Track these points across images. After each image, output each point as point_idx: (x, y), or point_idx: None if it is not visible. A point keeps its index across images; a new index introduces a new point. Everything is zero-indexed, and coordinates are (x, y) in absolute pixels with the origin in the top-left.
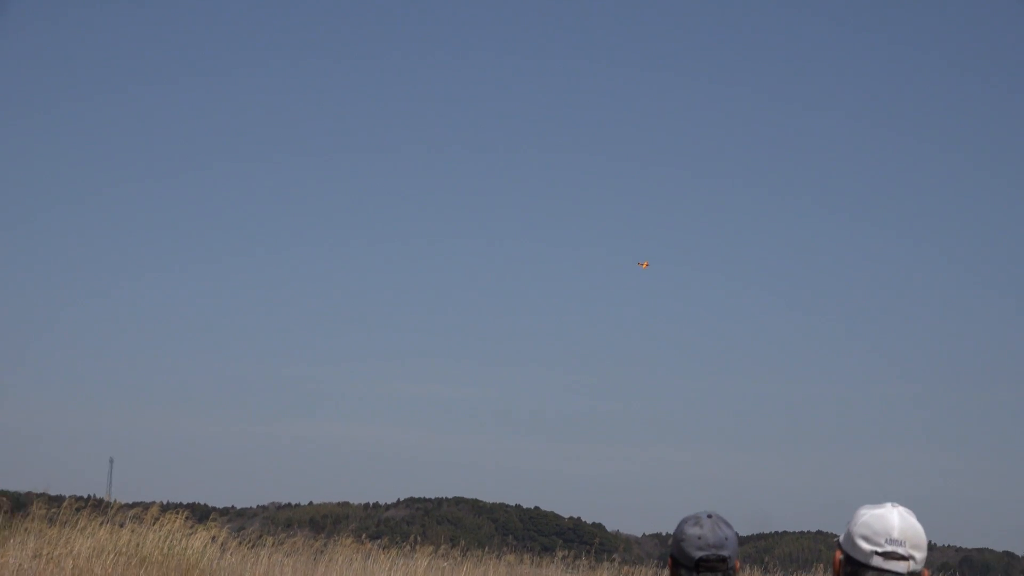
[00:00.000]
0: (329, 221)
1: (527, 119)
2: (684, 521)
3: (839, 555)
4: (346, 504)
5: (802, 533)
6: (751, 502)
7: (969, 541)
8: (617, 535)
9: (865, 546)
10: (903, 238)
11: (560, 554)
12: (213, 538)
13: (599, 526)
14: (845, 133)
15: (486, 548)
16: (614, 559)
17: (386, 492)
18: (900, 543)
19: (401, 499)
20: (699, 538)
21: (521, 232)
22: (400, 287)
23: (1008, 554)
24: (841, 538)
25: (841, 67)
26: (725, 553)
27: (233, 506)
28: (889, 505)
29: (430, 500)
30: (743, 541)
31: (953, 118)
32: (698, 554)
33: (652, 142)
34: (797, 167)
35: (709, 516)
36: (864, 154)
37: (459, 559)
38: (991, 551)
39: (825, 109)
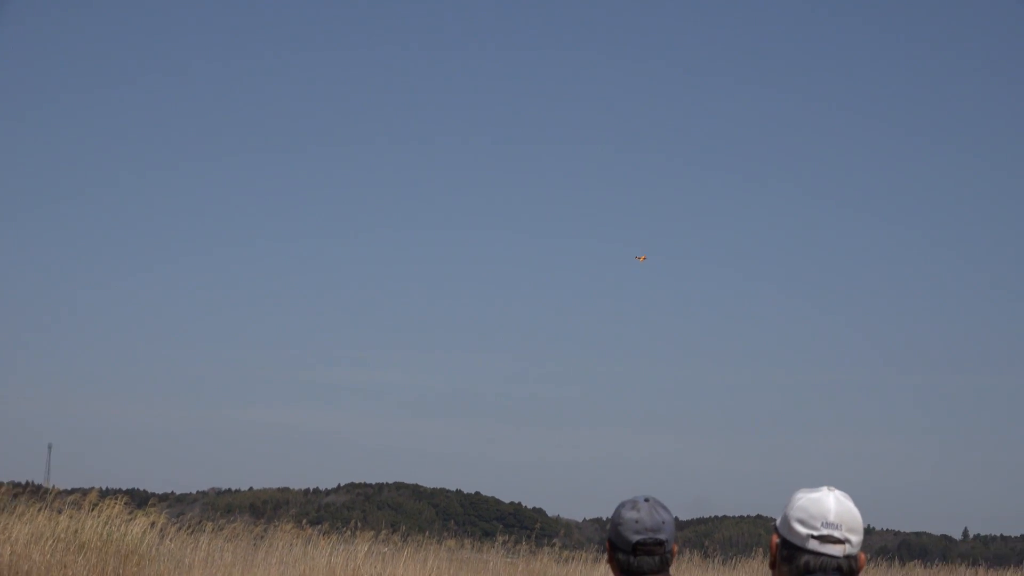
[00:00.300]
0: (268, 208)
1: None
2: (622, 505)
3: (775, 539)
4: (286, 489)
5: (742, 517)
6: (691, 487)
7: (907, 525)
8: (558, 520)
9: (801, 529)
10: (855, 223)
11: (501, 539)
12: (152, 524)
13: (540, 511)
14: (825, 120)
15: (427, 533)
16: (554, 544)
17: (326, 477)
18: (836, 526)
19: (341, 484)
20: (636, 522)
21: (460, 218)
22: (340, 272)
23: (946, 538)
24: (778, 522)
25: (841, 59)
26: (662, 537)
27: (172, 492)
28: (825, 489)
29: (371, 485)
30: (683, 526)
31: (936, 106)
32: (635, 538)
33: (589, 123)
34: (742, 142)
35: (646, 500)
36: (836, 137)
37: (400, 544)
38: (929, 535)
39: (796, 92)
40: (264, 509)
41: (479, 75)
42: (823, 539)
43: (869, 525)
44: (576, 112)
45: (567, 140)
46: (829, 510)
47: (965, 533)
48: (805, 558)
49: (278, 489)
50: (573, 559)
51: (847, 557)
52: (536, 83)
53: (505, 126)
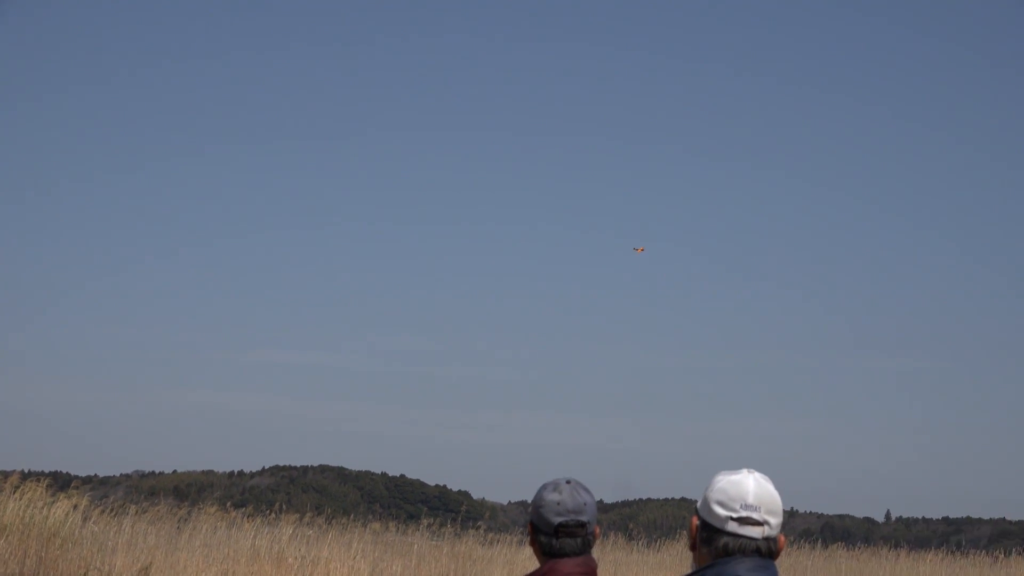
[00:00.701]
0: (198, 195)
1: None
2: (543, 487)
3: (695, 521)
4: (210, 472)
5: (666, 500)
6: (615, 469)
7: (830, 508)
8: (483, 503)
9: (720, 512)
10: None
11: (426, 522)
12: (75, 507)
13: (465, 494)
14: (801, 105)
15: (352, 516)
16: (479, 527)
17: (251, 460)
18: (755, 508)
19: (266, 467)
20: (558, 504)
21: (385, 205)
22: (264, 255)
23: (869, 520)
24: (698, 504)
25: (827, 48)
26: (584, 518)
27: (96, 474)
28: (745, 471)
29: (295, 468)
30: (607, 509)
31: (913, 91)
32: (557, 520)
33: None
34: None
35: (568, 482)
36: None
37: (324, 527)
38: (852, 517)
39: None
40: (188, 492)
41: (458, 65)
42: (742, 521)
43: (792, 508)
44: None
45: (510, 124)
46: (748, 492)
47: (887, 516)
48: (724, 540)
49: (202, 472)
50: (498, 542)
51: (766, 539)
52: (527, 73)
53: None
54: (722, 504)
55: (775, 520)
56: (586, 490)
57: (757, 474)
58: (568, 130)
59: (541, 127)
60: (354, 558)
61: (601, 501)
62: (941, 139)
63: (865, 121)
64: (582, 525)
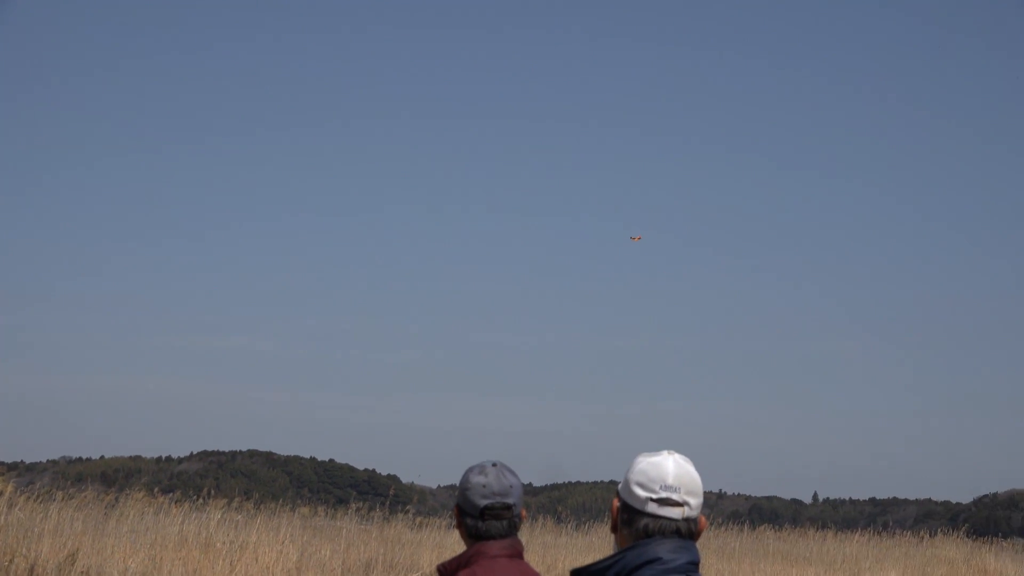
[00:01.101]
0: (124, 181)
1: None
2: (469, 470)
3: (616, 503)
4: (138, 458)
5: (595, 483)
6: (545, 453)
7: (758, 490)
8: (412, 486)
9: (640, 493)
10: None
11: (355, 506)
12: (0, 493)
13: (394, 477)
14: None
15: (280, 501)
16: (408, 511)
17: (179, 445)
18: (675, 489)
19: (194, 452)
20: (484, 486)
21: (289, 194)
22: (191, 242)
23: (796, 502)
24: (620, 486)
25: (832, 38)
26: (510, 501)
27: (22, 460)
28: (665, 453)
29: (224, 453)
30: (536, 492)
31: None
32: (483, 502)
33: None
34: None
35: (494, 465)
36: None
37: (253, 512)
38: (779, 499)
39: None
40: (116, 478)
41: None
42: (662, 502)
43: (721, 490)
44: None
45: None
46: (668, 473)
47: (815, 497)
48: (644, 521)
49: (130, 457)
50: (427, 526)
51: (686, 520)
52: (520, 61)
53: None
54: (642, 486)
55: (695, 501)
56: (512, 473)
57: (677, 455)
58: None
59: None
60: (282, 543)
61: (530, 484)
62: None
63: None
64: (508, 507)
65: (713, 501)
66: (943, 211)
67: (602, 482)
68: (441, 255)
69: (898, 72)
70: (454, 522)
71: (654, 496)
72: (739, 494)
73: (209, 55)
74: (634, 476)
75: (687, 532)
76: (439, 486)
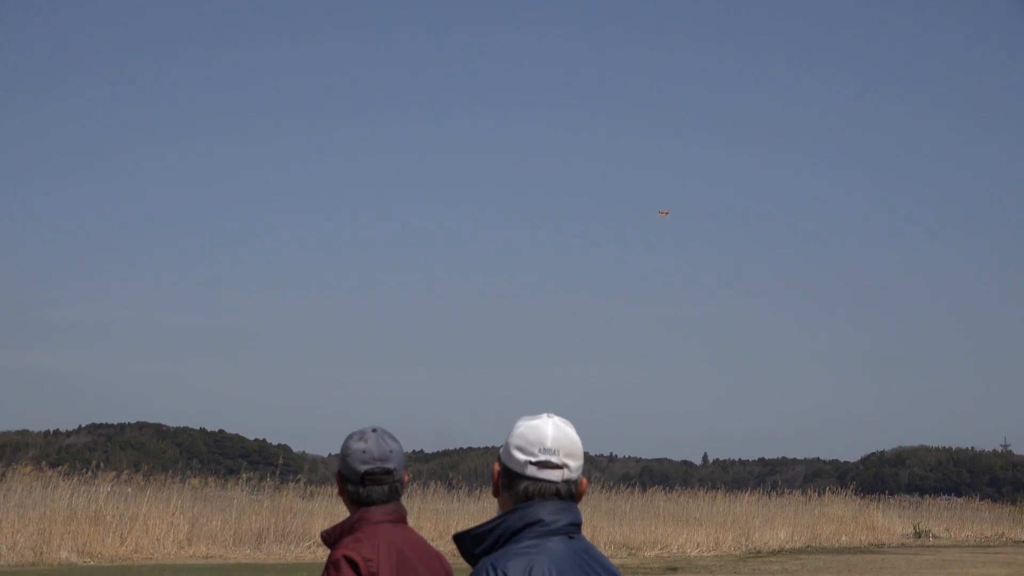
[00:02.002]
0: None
1: None
2: (350, 437)
3: (497, 467)
4: (25, 432)
5: (486, 449)
6: (435, 420)
7: (649, 452)
8: (303, 456)
9: (520, 456)
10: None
11: (245, 476)
12: None
13: (284, 447)
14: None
15: (170, 473)
16: (299, 480)
17: (67, 419)
18: (554, 452)
19: (83, 425)
20: (364, 452)
21: (185, 166)
22: (76, 213)
23: (686, 463)
24: (501, 450)
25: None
26: (390, 466)
27: None
28: (545, 416)
29: (112, 426)
30: (428, 459)
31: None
32: (363, 468)
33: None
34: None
35: (374, 430)
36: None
37: (142, 484)
38: (670, 461)
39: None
40: (3, 452)
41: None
42: (541, 465)
43: (612, 453)
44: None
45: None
46: (547, 436)
47: (704, 458)
48: (524, 484)
49: (17, 432)
50: (318, 494)
51: (566, 482)
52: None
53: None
54: (521, 449)
55: (575, 463)
56: (392, 438)
57: (557, 418)
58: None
59: None
60: (173, 514)
61: (422, 451)
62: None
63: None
64: (389, 472)
65: (604, 464)
66: (826, 170)
67: (493, 448)
68: (328, 225)
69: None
70: (336, 489)
71: (533, 459)
72: (630, 457)
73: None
74: (513, 440)
75: (567, 494)
76: (330, 455)
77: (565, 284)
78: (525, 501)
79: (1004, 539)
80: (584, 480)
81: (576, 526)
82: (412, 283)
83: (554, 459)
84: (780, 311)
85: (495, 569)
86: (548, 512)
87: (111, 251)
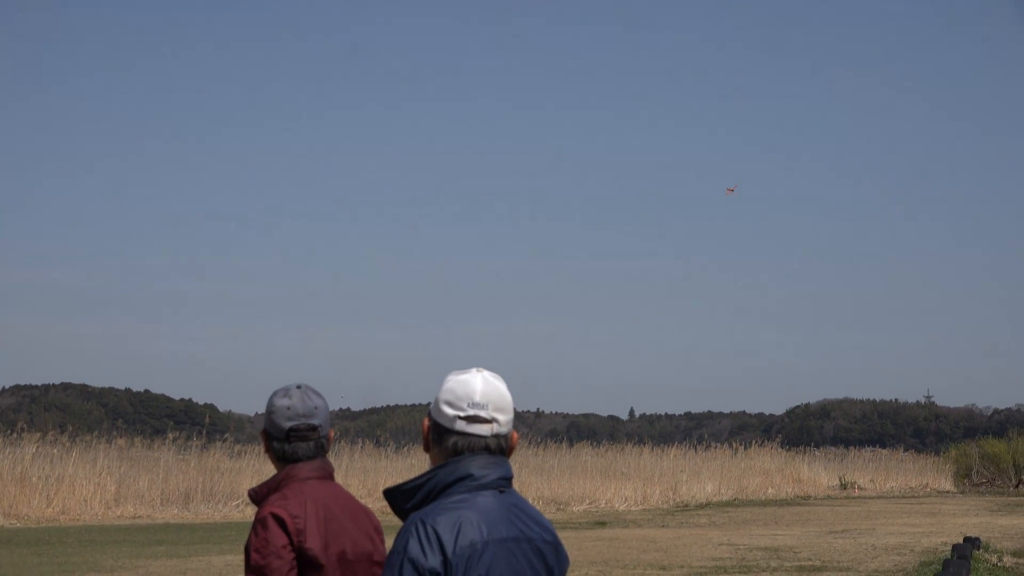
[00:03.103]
0: None
1: None
2: (274, 394)
3: (427, 422)
4: None
5: (413, 406)
6: (361, 377)
7: (576, 408)
8: (229, 415)
9: (448, 411)
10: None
11: (172, 436)
12: None
13: (211, 407)
14: None
15: (96, 433)
16: (226, 439)
17: None
18: (482, 406)
19: (6, 387)
20: (288, 408)
21: (111, 128)
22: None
23: (613, 418)
24: (431, 406)
25: None
26: (315, 422)
27: None
28: (474, 371)
29: (36, 387)
30: (355, 416)
31: None
32: (288, 424)
33: None
34: None
35: (298, 387)
36: None
37: (68, 445)
38: (597, 416)
39: None
40: None
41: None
42: (470, 419)
43: (539, 409)
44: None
45: None
46: (475, 391)
47: (631, 413)
48: (453, 439)
49: None
50: (245, 453)
51: (496, 436)
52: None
53: None
54: (450, 404)
55: (504, 417)
56: (317, 394)
57: (487, 373)
58: None
59: None
60: (100, 475)
61: (348, 409)
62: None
63: None
64: (314, 428)
65: (531, 420)
66: (751, 127)
67: (420, 405)
68: (251, 180)
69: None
70: (263, 447)
71: (462, 414)
72: (556, 412)
73: None
74: (443, 395)
75: (497, 448)
76: (256, 414)
77: (492, 240)
78: (455, 456)
79: (928, 489)
80: (515, 434)
81: (507, 480)
82: (338, 240)
83: (483, 413)
84: (705, 266)
85: (424, 524)
86: (478, 466)
87: (27, 209)
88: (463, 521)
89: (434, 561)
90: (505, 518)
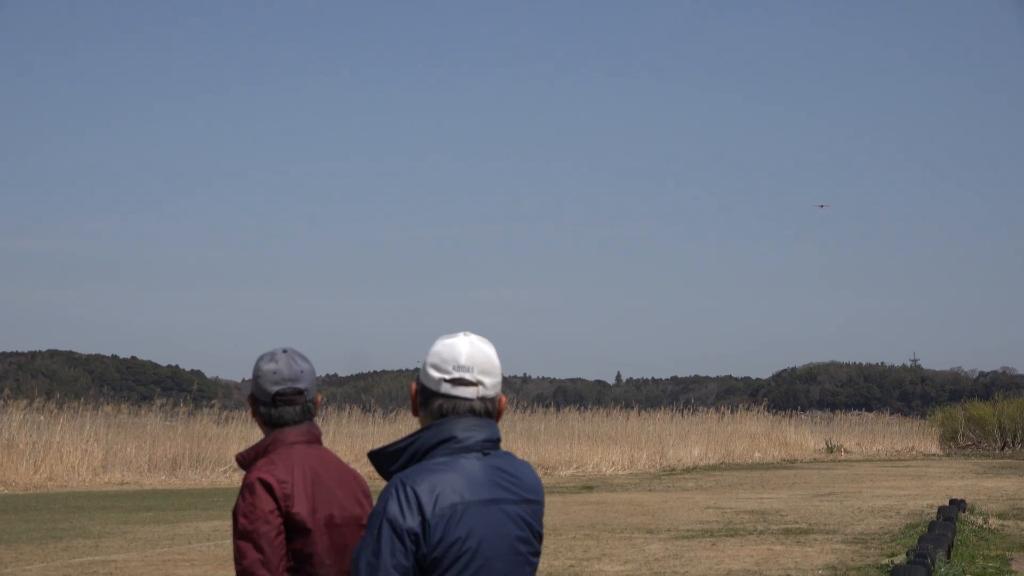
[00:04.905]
0: None
1: None
2: (260, 358)
3: (414, 386)
4: None
5: (400, 371)
6: (349, 343)
7: (562, 373)
8: (216, 381)
9: (435, 374)
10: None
11: (159, 403)
12: None
13: (198, 373)
14: None
15: (83, 400)
16: (214, 405)
17: None
18: (468, 369)
19: None
20: (274, 373)
21: (97, 93)
22: None
23: (600, 383)
24: (419, 369)
25: None
26: (301, 386)
27: None
28: (462, 334)
29: (23, 354)
30: (342, 382)
31: None
32: (274, 388)
33: None
34: None
35: (284, 351)
36: None
37: (55, 412)
38: (584, 381)
39: None
40: None
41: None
42: (455, 382)
43: (525, 374)
44: None
45: None
46: (461, 354)
47: (618, 378)
48: (439, 402)
49: None
50: (233, 419)
51: (482, 399)
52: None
53: None
54: (436, 367)
55: (490, 380)
56: (303, 358)
57: (473, 336)
58: None
59: None
60: (87, 441)
61: (336, 375)
62: None
63: None
64: (300, 392)
65: (518, 385)
66: (741, 100)
67: (408, 370)
68: (236, 147)
69: None
70: (250, 412)
71: (447, 376)
72: (543, 377)
73: None
74: (429, 358)
75: (483, 411)
76: (243, 380)
77: (480, 206)
78: (440, 418)
79: (914, 452)
80: (503, 398)
81: (492, 442)
82: (325, 206)
83: (468, 376)
84: (692, 231)
85: (404, 486)
86: (461, 428)
87: (12, 177)
88: (443, 483)
89: (412, 522)
90: (487, 480)
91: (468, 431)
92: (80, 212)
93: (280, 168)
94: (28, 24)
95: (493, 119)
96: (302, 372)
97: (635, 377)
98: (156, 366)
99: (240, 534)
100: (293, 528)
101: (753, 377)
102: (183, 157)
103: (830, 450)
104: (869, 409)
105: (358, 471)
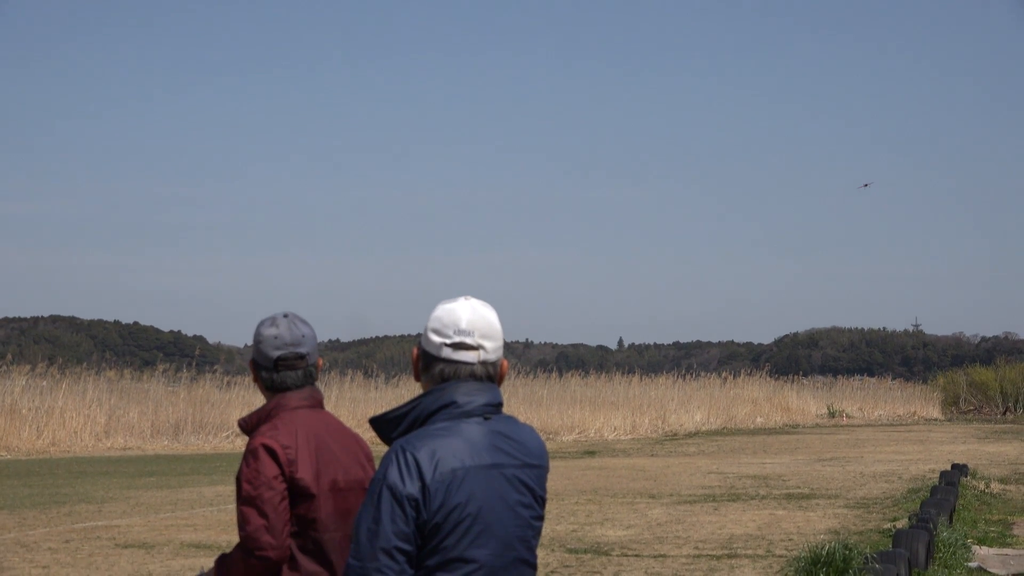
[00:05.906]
0: None
1: None
2: (261, 323)
3: (416, 351)
4: None
5: (402, 336)
6: (350, 308)
7: (565, 338)
8: (219, 346)
9: (435, 339)
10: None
11: (161, 368)
12: None
13: (200, 338)
14: None
15: (85, 366)
16: (216, 370)
17: None
18: (468, 333)
19: None
20: (276, 337)
21: (95, 55)
22: None
23: (602, 348)
24: (421, 334)
25: None
26: (303, 350)
27: None
28: (463, 299)
29: (25, 319)
30: (344, 348)
31: None
32: (276, 353)
33: None
34: None
35: (285, 316)
36: None
37: (58, 378)
38: (586, 346)
39: None
40: None
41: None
42: (456, 346)
43: (527, 339)
44: None
45: None
46: (461, 318)
47: (620, 343)
48: (440, 366)
49: None
50: (235, 384)
51: (483, 363)
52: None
53: None
54: (437, 332)
55: (491, 344)
56: (304, 323)
57: (475, 301)
58: None
59: None
60: (90, 407)
61: (337, 340)
62: None
63: None
64: (302, 357)
65: (520, 351)
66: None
67: (409, 336)
68: (239, 109)
69: None
70: (251, 376)
71: (448, 341)
72: (545, 343)
73: None
74: (430, 323)
75: (485, 376)
76: (246, 345)
77: (482, 169)
78: (442, 383)
79: (916, 417)
80: (505, 362)
81: (494, 406)
82: (328, 170)
83: (469, 340)
84: (694, 195)
85: (404, 452)
86: (462, 393)
87: (20, 144)
88: (444, 448)
89: (412, 488)
90: (489, 445)
91: (469, 395)
92: (82, 176)
93: (282, 133)
94: None
95: (493, 81)
96: (303, 336)
97: (637, 342)
98: (158, 331)
99: (244, 499)
100: (297, 493)
101: (755, 342)
102: (184, 124)
103: (832, 415)
104: (871, 374)
105: (362, 437)
